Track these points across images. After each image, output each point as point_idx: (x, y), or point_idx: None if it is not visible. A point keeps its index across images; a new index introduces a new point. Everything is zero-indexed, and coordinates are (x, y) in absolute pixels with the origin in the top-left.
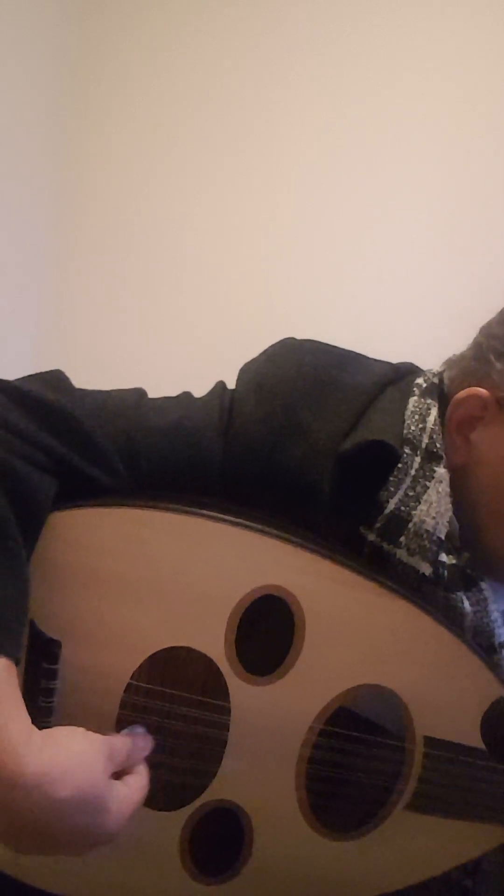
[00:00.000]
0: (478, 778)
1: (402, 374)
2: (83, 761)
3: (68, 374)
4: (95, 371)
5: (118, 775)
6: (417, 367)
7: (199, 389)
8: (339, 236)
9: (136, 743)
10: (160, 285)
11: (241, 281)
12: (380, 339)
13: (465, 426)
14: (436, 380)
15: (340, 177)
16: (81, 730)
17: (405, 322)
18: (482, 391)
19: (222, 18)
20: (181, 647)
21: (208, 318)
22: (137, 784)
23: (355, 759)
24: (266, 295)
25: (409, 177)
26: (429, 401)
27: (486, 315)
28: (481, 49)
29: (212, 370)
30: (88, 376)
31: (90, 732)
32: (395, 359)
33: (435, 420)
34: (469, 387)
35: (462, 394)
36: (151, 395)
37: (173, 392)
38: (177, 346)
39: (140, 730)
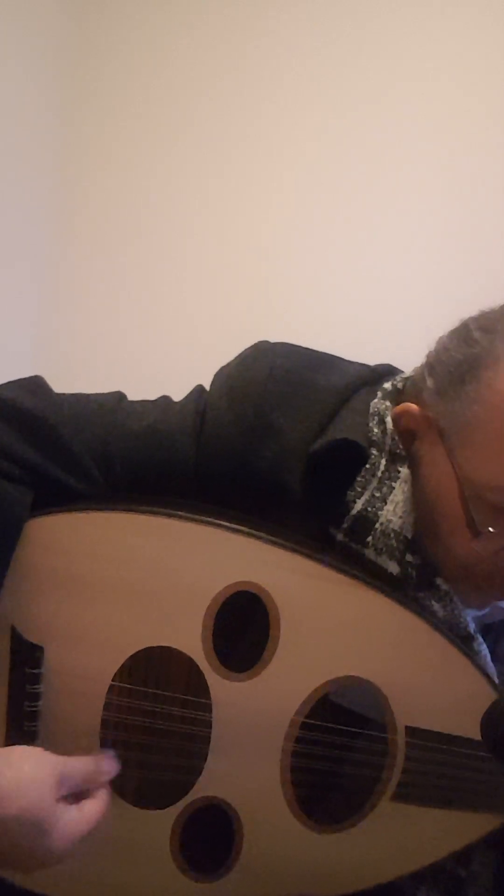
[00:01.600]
0: (461, 766)
1: (379, 377)
2: (30, 783)
3: (68, 373)
4: (95, 371)
5: (77, 797)
6: (395, 368)
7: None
8: (340, 236)
9: (98, 766)
10: (160, 284)
11: (241, 281)
12: (379, 341)
13: (406, 439)
14: (400, 384)
15: (340, 177)
16: (38, 750)
17: (404, 323)
18: (413, 407)
19: (222, 18)
20: (160, 647)
21: (207, 317)
22: (91, 809)
23: (339, 752)
24: (266, 295)
25: (410, 177)
26: (387, 402)
27: None
28: (482, 50)
29: (210, 369)
30: (88, 376)
31: (46, 754)
32: (394, 360)
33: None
34: (409, 400)
35: (397, 409)
36: (151, 395)
37: (172, 392)
38: (176, 346)
39: (108, 753)
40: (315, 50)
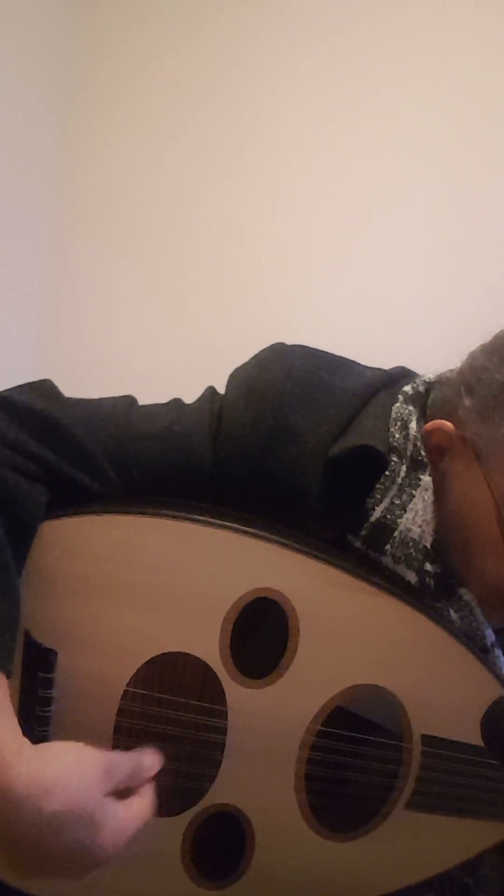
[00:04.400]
0: (476, 775)
1: (395, 380)
2: (76, 775)
3: (69, 378)
4: (96, 375)
5: (122, 795)
6: (411, 371)
7: (199, 392)
8: (340, 237)
9: (141, 762)
10: (160, 288)
11: (241, 283)
12: (379, 344)
13: (436, 455)
14: (422, 389)
15: (340, 177)
16: (79, 744)
17: (405, 327)
18: (448, 426)
19: (222, 18)
20: (177, 653)
21: (209, 319)
22: (139, 806)
23: (353, 760)
24: (266, 299)
25: (410, 177)
26: (410, 408)
27: (485, 319)
28: (482, 50)
29: (211, 372)
30: (89, 380)
31: (88, 747)
32: (394, 362)
33: (416, 428)
34: (441, 416)
35: (430, 425)
36: (151, 398)
37: (173, 395)
38: (177, 349)
39: (149, 749)
40: (315, 50)
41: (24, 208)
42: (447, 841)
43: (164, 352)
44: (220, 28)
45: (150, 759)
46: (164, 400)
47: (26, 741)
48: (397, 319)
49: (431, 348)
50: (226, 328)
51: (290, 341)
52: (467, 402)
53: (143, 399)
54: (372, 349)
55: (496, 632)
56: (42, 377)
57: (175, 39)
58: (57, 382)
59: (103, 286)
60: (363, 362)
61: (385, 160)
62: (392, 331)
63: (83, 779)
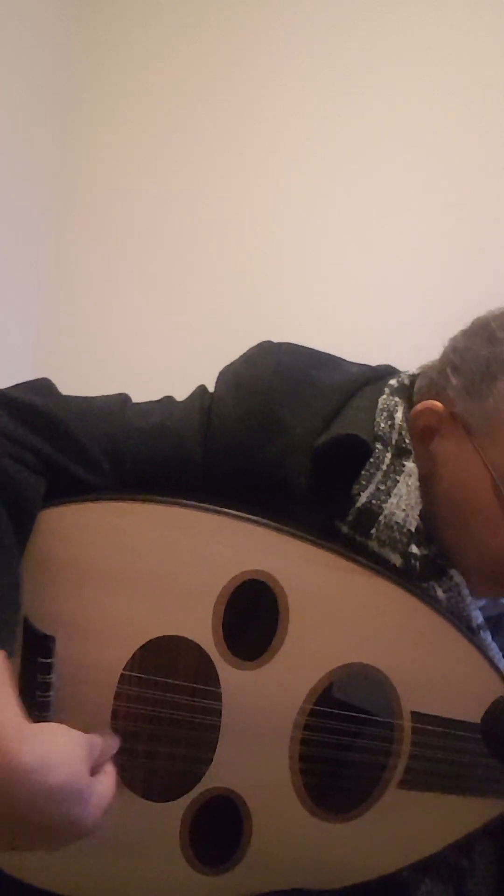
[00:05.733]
0: (467, 751)
1: (380, 376)
2: (65, 755)
3: (69, 378)
4: (96, 375)
5: (93, 772)
6: (395, 369)
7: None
8: (340, 238)
9: (108, 742)
10: (160, 288)
11: (241, 283)
12: (379, 343)
13: (425, 437)
14: (407, 381)
15: (339, 178)
16: (64, 726)
17: (405, 326)
18: (437, 405)
19: (222, 18)
20: (171, 636)
21: (208, 320)
22: (109, 782)
23: (346, 738)
24: (266, 299)
25: (410, 176)
26: (396, 399)
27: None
28: (482, 51)
29: (211, 372)
30: (89, 380)
31: (71, 729)
32: (394, 361)
33: (402, 417)
34: (428, 399)
35: (419, 406)
36: (151, 398)
37: (174, 392)
38: (176, 349)
39: (105, 731)
40: (315, 50)
41: (24, 208)
42: (442, 819)
43: (163, 352)
44: (220, 28)
45: (110, 741)
46: (165, 395)
47: (25, 720)
48: (397, 319)
49: (431, 347)
50: (225, 328)
51: (288, 340)
52: (454, 380)
53: (143, 398)
54: (372, 349)
55: (488, 620)
56: (42, 377)
57: (175, 40)
58: (57, 382)
59: (103, 286)
60: (364, 361)
61: (385, 160)
62: (392, 331)
63: (72, 759)
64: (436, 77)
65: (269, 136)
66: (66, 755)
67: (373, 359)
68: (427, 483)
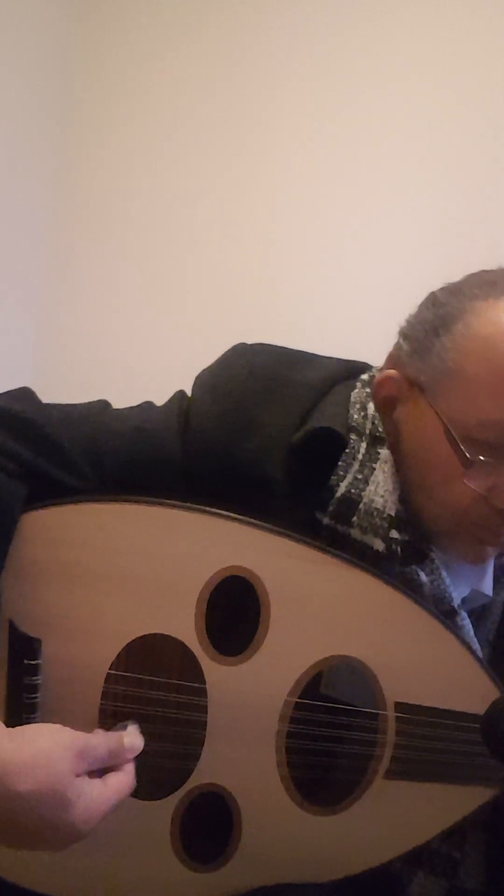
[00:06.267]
0: (451, 739)
1: (356, 372)
2: (48, 757)
3: (69, 378)
4: (96, 375)
5: (102, 773)
6: (370, 365)
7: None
8: (340, 237)
9: (122, 742)
10: (160, 288)
11: (241, 284)
12: (378, 343)
13: (388, 406)
14: (377, 374)
15: (340, 177)
16: (56, 726)
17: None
18: (392, 372)
19: (222, 19)
20: (155, 634)
21: (208, 321)
22: (117, 782)
23: (332, 731)
24: (266, 299)
25: (410, 176)
26: (367, 391)
27: None
28: (483, 51)
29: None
30: (89, 380)
31: (64, 729)
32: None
33: (375, 408)
34: (385, 369)
35: (377, 377)
36: (151, 398)
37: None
38: (176, 350)
39: (132, 727)
40: (315, 50)
41: (24, 208)
42: (430, 807)
43: (163, 352)
44: (219, 29)
45: (130, 739)
46: (163, 401)
47: (1, 725)
48: (397, 319)
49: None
50: (225, 328)
51: (288, 342)
52: (405, 346)
53: (144, 398)
54: (371, 349)
55: (471, 613)
56: (42, 377)
57: (175, 40)
58: (57, 382)
59: (103, 286)
60: (364, 361)
61: (384, 160)
62: (392, 331)
63: (54, 761)
64: (436, 77)
65: (269, 137)
66: (41, 759)
67: (373, 359)
68: (395, 453)
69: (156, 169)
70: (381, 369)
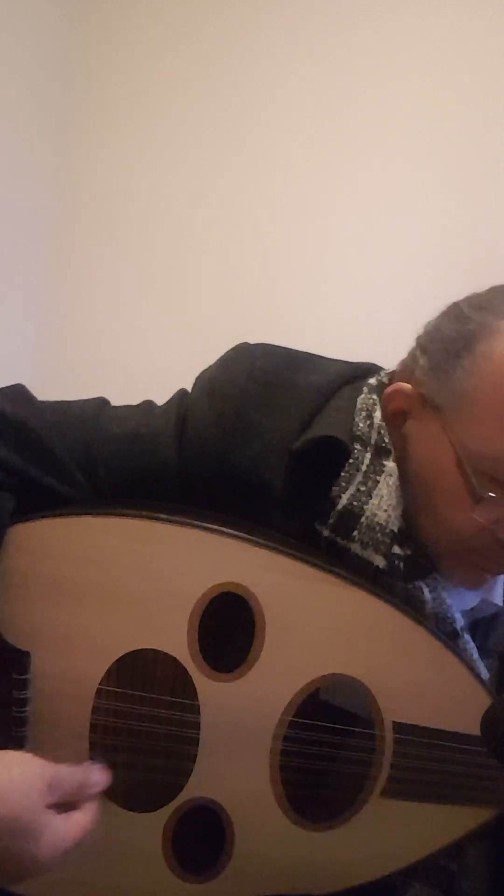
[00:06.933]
0: (449, 760)
1: (361, 374)
2: (18, 786)
3: (69, 375)
4: (96, 375)
5: (66, 808)
6: (378, 366)
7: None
8: (340, 238)
9: (88, 777)
10: (160, 289)
11: (241, 284)
12: (378, 343)
13: (397, 420)
14: (385, 379)
15: (340, 178)
16: (28, 756)
17: (403, 326)
18: (406, 387)
19: (222, 19)
20: (147, 650)
21: (208, 321)
22: (79, 821)
23: (327, 749)
24: (266, 299)
25: (410, 176)
26: (374, 397)
27: None
28: (483, 51)
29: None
30: (89, 381)
31: (35, 759)
32: (392, 358)
33: (382, 417)
34: (398, 382)
35: (389, 389)
36: (151, 396)
37: (171, 394)
38: (176, 350)
39: (98, 765)
40: (315, 50)
41: (24, 208)
42: (425, 827)
43: (163, 352)
44: (219, 29)
45: (97, 776)
46: (162, 401)
47: None
48: (397, 320)
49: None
50: (225, 328)
51: (288, 342)
52: (422, 361)
53: (143, 398)
54: (371, 349)
55: (475, 624)
56: (42, 377)
57: (175, 40)
58: (57, 382)
59: (103, 286)
60: (364, 361)
61: (384, 161)
62: (392, 331)
63: (25, 790)
64: (436, 77)
65: (269, 137)
66: (11, 789)
67: (373, 357)
68: (401, 468)
69: (156, 169)
70: (390, 374)
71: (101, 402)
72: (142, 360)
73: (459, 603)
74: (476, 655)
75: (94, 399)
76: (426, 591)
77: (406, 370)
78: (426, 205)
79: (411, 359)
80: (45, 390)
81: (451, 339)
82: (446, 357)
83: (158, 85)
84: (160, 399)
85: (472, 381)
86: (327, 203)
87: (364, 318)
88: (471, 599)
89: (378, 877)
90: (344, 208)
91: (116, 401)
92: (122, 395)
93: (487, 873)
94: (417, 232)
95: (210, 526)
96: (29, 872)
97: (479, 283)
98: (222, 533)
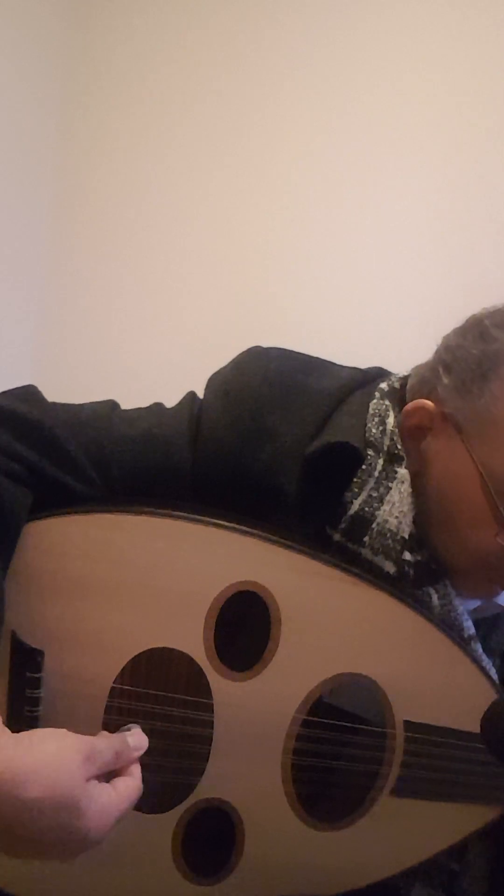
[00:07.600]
0: (459, 759)
1: (371, 379)
2: (55, 762)
3: (69, 375)
4: (96, 375)
5: (108, 777)
6: (387, 371)
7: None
8: (340, 239)
9: (127, 742)
10: (160, 289)
11: (241, 285)
12: (379, 344)
13: (416, 435)
14: (397, 384)
15: (340, 179)
16: (61, 731)
17: (404, 328)
18: (428, 404)
19: (222, 19)
20: (162, 648)
21: (208, 322)
22: (126, 787)
23: (339, 748)
24: (266, 299)
25: (410, 177)
26: (387, 402)
27: None
28: (483, 52)
29: (210, 371)
30: (89, 381)
31: (70, 734)
32: (393, 361)
33: (394, 422)
34: (420, 397)
35: (410, 405)
36: (151, 399)
37: (172, 396)
38: (176, 351)
39: (136, 728)
40: (316, 51)
41: (24, 209)
42: (434, 826)
43: (163, 352)
44: (220, 31)
45: (135, 739)
46: (164, 400)
47: (6, 730)
48: (397, 321)
49: (431, 348)
50: (225, 328)
51: (289, 344)
52: (446, 379)
53: (142, 399)
54: (372, 350)
55: (477, 623)
56: (42, 377)
57: (175, 41)
58: (57, 382)
59: (103, 286)
60: (364, 363)
61: (384, 162)
62: (392, 332)
63: (63, 766)
64: (437, 77)
65: (269, 138)
66: (48, 764)
67: (372, 360)
68: (417, 481)
69: (156, 169)
70: (401, 379)
71: (113, 404)
72: (142, 360)
73: (464, 604)
74: (485, 658)
75: (104, 401)
76: (435, 596)
77: (426, 384)
78: (426, 206)
79: (432, 374)
80: (46, 390)
81: (477, 359)
82: (472, 378)
83: (159, 86)
84: (161, 400)
85: (499, 405)
86: (327, 204)
87: (364, 320)
88: (474, 600)
89: (386, 876)
90: (344, 209)
91: (116, 400)
92: (123, 395)
93: (488, 872)
94: (418, 233)
95: (228, 524)
96: (79, 847)
97: (479, 284)
98: (239, 531)
